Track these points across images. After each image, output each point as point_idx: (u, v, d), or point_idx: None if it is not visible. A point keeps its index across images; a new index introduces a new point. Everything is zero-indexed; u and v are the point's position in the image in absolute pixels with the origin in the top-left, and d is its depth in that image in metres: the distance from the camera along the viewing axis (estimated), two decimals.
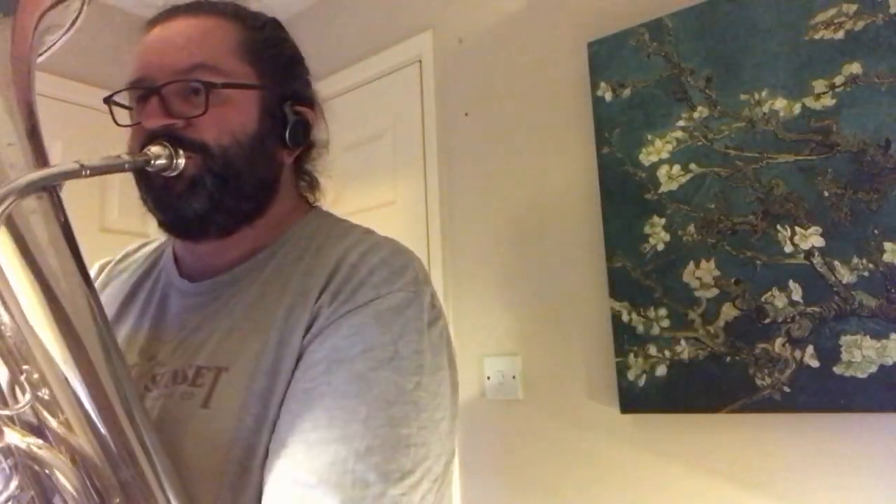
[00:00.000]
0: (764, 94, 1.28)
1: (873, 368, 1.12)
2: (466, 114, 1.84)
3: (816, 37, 1.24)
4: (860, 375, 1.13)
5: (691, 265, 1.33)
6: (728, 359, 1.27)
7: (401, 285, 0.62)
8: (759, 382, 1.22)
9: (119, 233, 2.13)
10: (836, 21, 1.22)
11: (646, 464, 1.39)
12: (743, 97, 1.31)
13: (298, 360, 0.60)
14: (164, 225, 0.68)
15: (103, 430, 0.49)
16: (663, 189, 1.39)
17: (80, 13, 0.63)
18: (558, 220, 1.61)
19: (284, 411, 0.58)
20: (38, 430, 0.47)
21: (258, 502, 0.57)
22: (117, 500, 0.48)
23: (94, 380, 0.50)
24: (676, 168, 1.38)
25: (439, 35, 1.94)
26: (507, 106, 1.75)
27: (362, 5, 2.20)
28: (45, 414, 0.48)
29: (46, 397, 0.48)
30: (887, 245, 1.13)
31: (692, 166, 1.36)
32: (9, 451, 0.44)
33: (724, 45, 1.34)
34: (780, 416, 1.22)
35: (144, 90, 0.65)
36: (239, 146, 0.65)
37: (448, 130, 1.88)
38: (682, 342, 1.32)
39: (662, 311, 1.36)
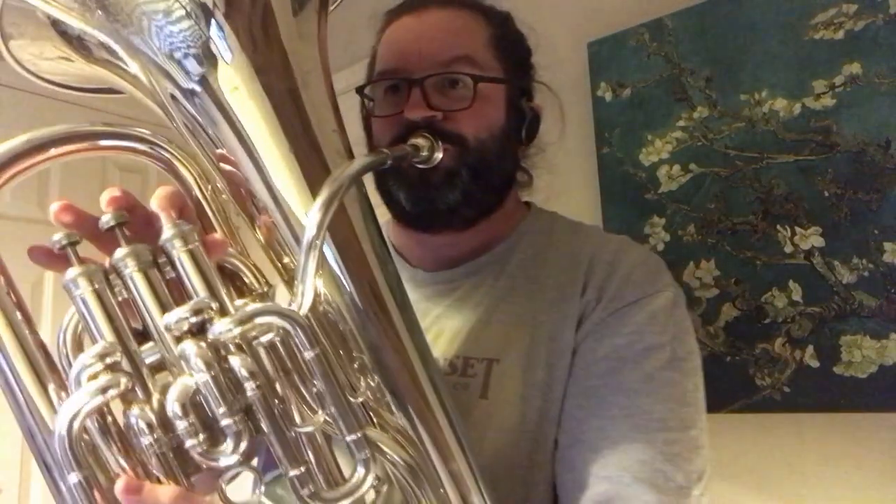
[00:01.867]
0: (764, 94, 1.28)
1: (873, 368, 1.12)
2: None
3: (816, 37, 1.23)
4: (860, 375, 1.13)
5: (691, 265, 1.33)
6: (728, 359, 1.26)
7: (663, 285, 0.63)
8: (759, 382, 1.22)
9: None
10: (836, 21, 1.22)
11: None
12: (743, 97, 1.31)
13: (572, 355, 0.61)
14: (407, 216, 0.68)
15: (426, 423, 0.49)
16: (663, 189, 1.39)
17: None
18: None
19: (573, 406, 0.59)
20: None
21: (550, 495, 0.58)
22: (441, 491, 0.48)
23: (410, 369, 0.50)
24: (676, 168, 1.38)
25: None
26: None
27: (362, 5, 2.19)
28: (376, 403, 0.48)
29: (373, 384, 0.48)
30: (887, 245, 1.13)
31: (692, 166, 1.36)
32: (364, 442, 0.43)
33: (724, 45, 1.34)
34: (780, 416, 1.22)
35: (403, 81, 0.65)
36: (492, 140, 0.66)
37: None
38: None
39: None
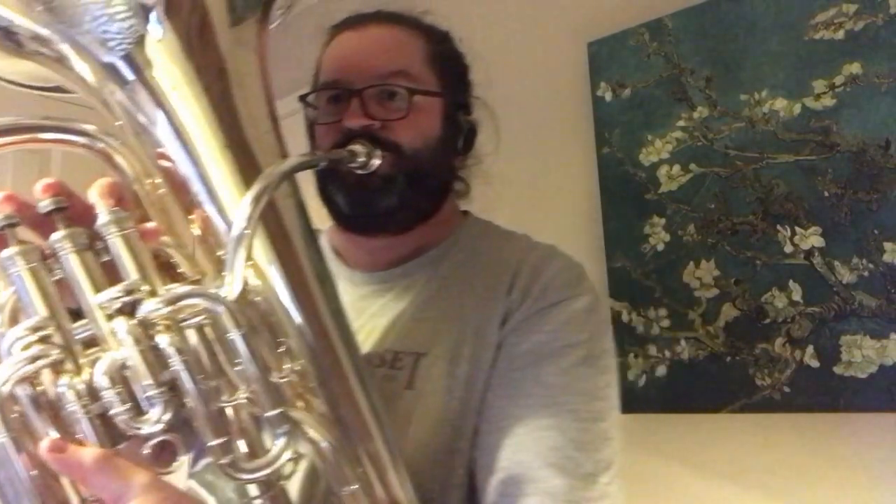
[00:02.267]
0: (764, 94, 1.28)
1: (873, 368, 1.12)
2: None
3: (816, 37, 1.24)
4: (860, 375, 1.13)
5: (691, 265, 1.33)
6: (728, 359, 1.26)
7: (584, 289, 0.68)
8: (759, 382, 1.22)
9: None
10: (836, 21, 1.22)
11: (646, 464, 1.39)
12: (743, 97, 1.31)
13: (496, 349, 0.66)
14: (345, 219, 0.72)
15: (346, 405, 0.51)
16: (663, 189, 1.39)
17: None
18: (558, 220, 1.60)
19: (494, 396, 0.64)
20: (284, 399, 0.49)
21: (467, 480, 0.63)
22: (360, 470, 0.50)
23: (333, 352, 0.52)
24: (676, 168, 1.38)
25: None
26: (508, 106, 1.75)
27: (360, 5, 2.19)
28: (302, 389, 0.50)
29: (298, 368, 0.50)
30: (887, 245, 1.13)
31: (692, 166, 1.36)
32: (284, 419, 0.45)
33: (724, 45, 1.34)
34: (780, 416, 1.22)
35: (344, 91, 0.69)
36: (427, 149, 0.70)
37: None
38: (682, 342, 1.32)
39: (662, 311, 1.36)
